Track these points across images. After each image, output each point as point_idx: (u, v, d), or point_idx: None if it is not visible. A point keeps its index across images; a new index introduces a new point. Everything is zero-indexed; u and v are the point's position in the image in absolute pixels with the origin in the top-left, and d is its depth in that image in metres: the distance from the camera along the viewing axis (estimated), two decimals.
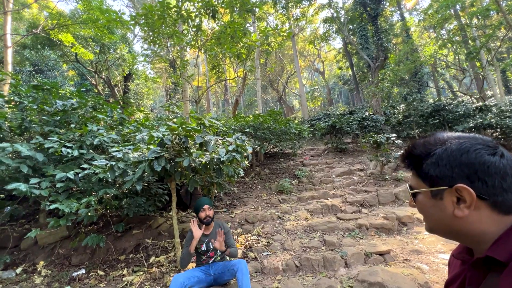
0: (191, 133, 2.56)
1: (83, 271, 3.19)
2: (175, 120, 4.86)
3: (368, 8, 14.53)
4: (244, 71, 10.49)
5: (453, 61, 16.53)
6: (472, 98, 11.90)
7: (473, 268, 0.56)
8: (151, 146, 2.87)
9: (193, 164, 2.55)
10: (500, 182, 0.50)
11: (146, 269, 3.12)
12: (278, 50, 21.97)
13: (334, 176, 6.87)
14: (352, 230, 3.69)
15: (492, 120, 7.37)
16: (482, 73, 9.86)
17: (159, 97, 33.36)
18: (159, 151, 2.41)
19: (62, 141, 3.07)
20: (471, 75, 13.83)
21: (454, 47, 10.51)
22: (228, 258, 2.71)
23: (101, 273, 3.13)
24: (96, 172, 2.74)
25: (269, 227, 3.90)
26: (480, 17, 10.67)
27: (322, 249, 3.16)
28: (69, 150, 3.01)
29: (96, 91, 13.16)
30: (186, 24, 6.47)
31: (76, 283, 2.95)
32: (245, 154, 2.79)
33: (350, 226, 3.78)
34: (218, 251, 2.54)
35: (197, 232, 2.33)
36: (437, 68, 19.41)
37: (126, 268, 3.18)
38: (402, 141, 7.73)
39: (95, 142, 3.23)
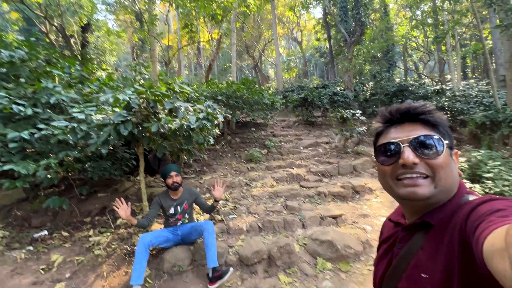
0: (160, 98, 2.49)
1: (45, 232, 3.15)
2: (142, 82, 4.59)
3: None
4: (219, 34, 9.92)
5: (422, 43, 17.24)
6: (433, 81, 12.78)
7: (405, 230, 0.63)
8: (117, 109, 2.75)
9: (162, 130, 2.52)
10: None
11: (113, 230, 3.17)
12: (256, 14, 20.78)
13: (301, 148, 7.22)
14: (312, 196, 4.06)
15: (445, 103, 8.10)
16: (444, 58, 10.50)
17: (124, 54, 30.37)
18: (125, 115, 2.33)
19: (11, 98, 2.78)
20: (435, 58, 14.66)
21: (425, 29, 10.90)
22: (195, 220, 2.87)
23: (65, 234, 3.13)
24: (54, 133, 2.58)
25: (237, 193, 4.11)
26: (451, 1, 11.03)
27: (284, 213, 3.47)
28: (21, 108, 2.75)
29: (47, 40, 11.53)
30: None
31: (39, 243, 2.93)
32: (216, 122, 2.81)
33: (310, 193, 4.14)
34: (186, 214, 2.67)
35: (121, 213, 2.20)
36: (408, 49, 20.16)
37: (92, 229, 3.20)
38: (367, 118, 8.24)
39: (51, 101, 2.98)
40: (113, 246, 2.84)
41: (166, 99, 2.56)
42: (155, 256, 2.67)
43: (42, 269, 2.54)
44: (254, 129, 8.81)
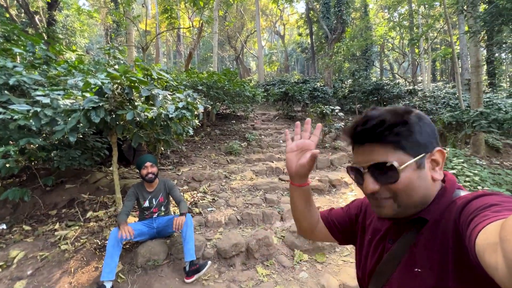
0: (136, 84, 2.34)
1: (4, 226, 2.88)
2: (117, 67, 4.30)
3: None
4: (201, 21, 9.57)
5: (397, 44, 18.01)
6: (406, 81, 13.43)
7: (395, 225, 0.62)
8: (87, 94, 2.54)
9: (137, 119, 2.38)
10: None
11: (82, 223, 2.98)
12: (239, 3, 20.35)
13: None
14: None
15: (416, 102, 8.56)
16: (417, 60, 11.06)
17: (97, 37, 28.43)
18: (97, 101, 2.16)
19: None
20: (409, 60, 15.40)
21: (402, 31, 11.36)
22: (172, 212, 2.78)
23: (27, 228, 2.88)
24: (14, 117, 2.33)
25: (216, 186, 4.05)
26: (426, 5, 11.57)
27: (263, 206, 3.48)
28: None
29: (7, 16, 10.40)
30: None
31: None
32: (196, 112, 2.71)
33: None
34: (162, 207, 2.58)
35: (123, 235, 2.13)
36: (384, 50, 20.98)
37: (58, 223, 2.99)
38: (344, 114, 8.48)
39: (10, 82, 2.68)
40: (82, 240, 2.67)
41: (143, 86, 2.41)
42: (128, 251, 2.56)
43: (0, 266, 2.32)
44: (234, 121, 8.72)
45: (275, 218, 3.16)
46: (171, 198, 2.69)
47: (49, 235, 2.77)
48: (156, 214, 2.54)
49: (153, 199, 2.51)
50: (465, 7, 5.61)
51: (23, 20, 12.26)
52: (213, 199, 3.58)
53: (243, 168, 4.96)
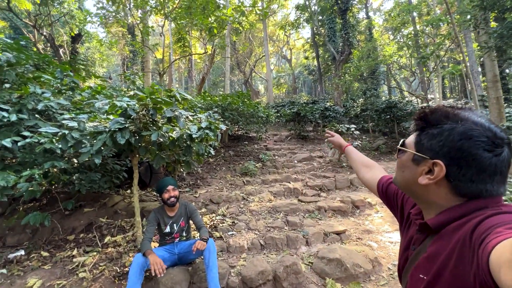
0: (161, 105, 2.35)
1: (22, 252, 2.81)
2: (135, 92, 4.42)
3: (339, 1, 14.87)
4: (213, 48, 9.99)
5: (405, 63, 18.15)
6: (418, 99, 13.31)
7: (419, 231, 0.66)
8: (111, 117, 2.57)
9: (161, 139, 2.36)
10: (473, 174, 0.53)
11: (100, 249, 2.88)
12: (248, 31, 21.35)
13: (296, 161, 7.15)
14: (312, 211, 3.92)
15: None
16: (428, 77, 11.02)
17: (114, 66, 30.08)
18: (123, 122, 2.16)
19: None
20: (419, 78, 15.40)
21: (410, 50, 11.48)
22: (193, 237, 2.65)
23: (45, 254, 2.80)
24: (41, 141, 2.36)
25: (234, 208, 3.91)
26: (432, 26, 11.76)
27: (285, 229, 3.30)
28: (5, 114, 2.52)
29: (35, 49, 11.20)
30: None
31: (14, 265, 2.59)
32: (218, 132, 2.68)
33: (310, 208, 4.01)
34: (184, 232, 2.46)
35: (157, 272, 1.97)
36: (391, 69, 21.16)
37: (76, 249, 2.89)
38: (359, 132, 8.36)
39: (39, 107, 2.76)
40: (100, 267, 2.55)
41: (166, 107, 2.42)
42: (148, 279, 2.41)
43: None
44: (246, 142, 8.71)
45: (300, 243, 2.97)
46: (191, 222, 2.58)
47: (67, 262, 2.67)
48: (178, 239, 2.42)
49: (174, 224, 2.40)
50: (478, 24, 5.62)
51: (49, 53, 13.15)
52: (233, 222, 3.43)
53: (260, 189, 4.83)
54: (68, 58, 12.68)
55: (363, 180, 1.06)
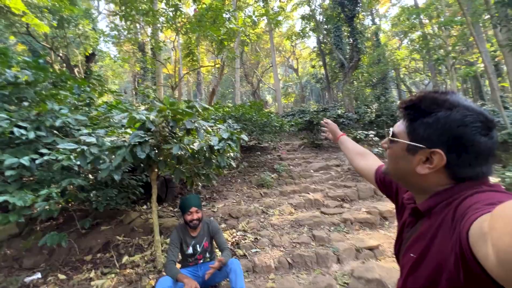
0: (181, 116, 2.24)
1: (39, 275, 2.69)
2: (150, 103, 4.38)
3: (345, 9, 14.89)
4: (222, 60, 10.07)
5: (414, 67, 17.80)
6: None
7: (411, 215, 0.67)
8: (130, 131, 2.48)
9: (182, 152, 2.23)
10: (471, 159, 0.54)
11: (118, 270, 2.73)
12: (255, 43, 21.65)
13: (312, 171, 6.91)
14: (338, 224, 3.67)
15: None
16: (444, 80, 10.70)
17: (125, 83, 30.98)
18: (143, 135, 2.06)
19: (13, 120, 2.52)
20: (432, 81, 15.04)
21: (423, 52, 11.24)
22: (217, 256, 2.46)
23: (62, 277, 2.67)
24: (58, 158, 2.28)
25: (254, 222, 3.71)
26: (444, 28, 11.54)
27: (312, 245, 3.07)
28: (23, 131, 2.47)
29: (51, 70, 11.63)
30: (163, 1, 5.91)
31: None
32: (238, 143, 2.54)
33: (335, 221, 3.76)
34: (207, 253, 2.28)
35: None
36: (400, 74, 20.83)
37: (93, 270, 2.75)
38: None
39: (57, 124, 2.71)
40: None
41: (187, 119, 2.31)
42: None
43: None
44: (259, 152, 8.54)
45: (331, 260, 2.73)
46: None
47: (84, 286, 2.53)
48: (201, 260, 2.24)
49: (197, 246, 2.22)
50: (499, 21, 5.39)
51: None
52: (256, 238, 3.23)
53: (279, 202, 4.62)
54: (83, 77, 13.07)
55: (357, 168, 1.08)
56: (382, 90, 16.27)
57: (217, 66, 11.23)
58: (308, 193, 5.11)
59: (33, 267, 2.86)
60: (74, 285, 2.54)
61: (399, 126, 0.64)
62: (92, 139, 2.25)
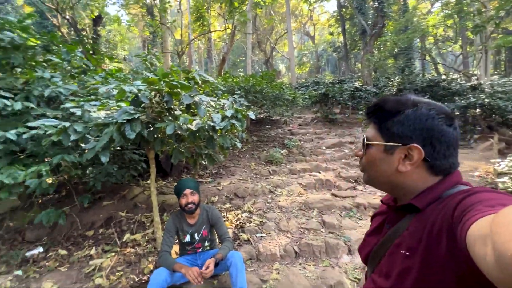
0: (177, 90, 1.92)
1: (41, 249, 2.67)
2: (150, 74, 4.04)
3: None
4: (234, 24, 9.29)
5: (443, 36, 16.00)
6: (465, 75, 11.77)
7: (394, 212, 0.66)
8: (123, 104, 2.20)
9: (179, 132, 1.96)
10: (445, 150, 0.57)
11: (119, 249, 2.66)
12: (269, 5, 19.99)
13: (324, 148, 6.58)
14: (350, 209, 3.44)
15: (485, 100, 7.25)
16: (479, 50, 9.56)
17: (135, 49, 30.20)
18: (132, 112, 1.77)
19: None
20: (464, 52, 13.58)
21: (458, 18, 9.93)
22: (218, 245, 2.30)
23: (63, 252, 2.63)
24: (47, 133, 2.06)
25: (261, 203, 3.53)
26: None
27: (322, 231, 2.87)
28: (7, 102, 2.24)
29: (59, 34, 11.21)
30: None
31: (30, 266, 2.44)
32: (245, 122, 2.23)
33: (347, 205, 3.52)
34: (206, 242, 2.11)
35: (194, 281, 1.68)
36: (426, 44, 18.92)
37: (94, 247, 2.70)
38: None
39: (46, 94, 2.46)
40: (117, 273, 2.32)
41: (184, 92, 1.99)
42: None
43: None
44: (269, 126, 8.20)
45: (341, 251, 2.53)
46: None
47: (84, 263, 2.48)
48: (200, 249, 2.08)
49: (195, 234, 2.04)
50: None
51: (73, 37, 13.19)
52: (261, 221, 3.05)
53: (288, 181, 4.40)
54: (91, 42, 12.64)
55: None
56: (406, 61, 14.96)
57: (228, 31, 10.46)
58: (319, 172, 4.85)
59: (36, 240, 2.84)
60: (73, 262, 2.50)
61: (370, 131, 0.65)
62: (80, 113, 1.99)
